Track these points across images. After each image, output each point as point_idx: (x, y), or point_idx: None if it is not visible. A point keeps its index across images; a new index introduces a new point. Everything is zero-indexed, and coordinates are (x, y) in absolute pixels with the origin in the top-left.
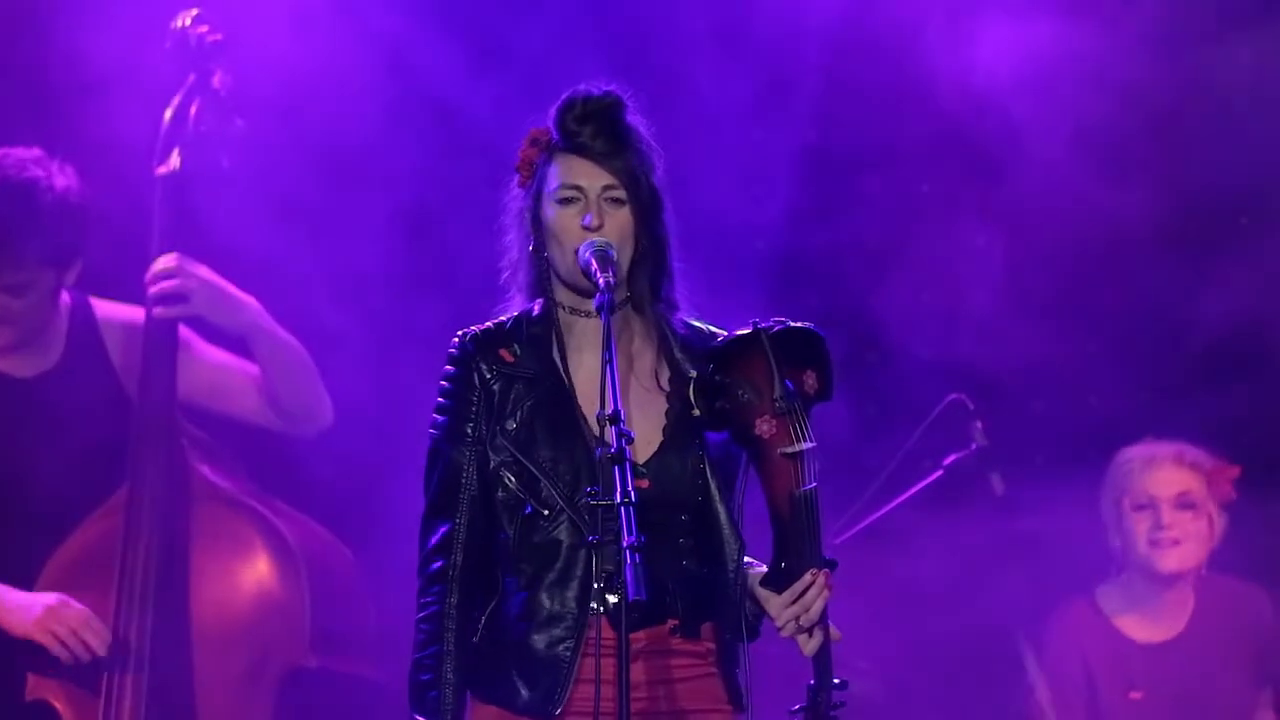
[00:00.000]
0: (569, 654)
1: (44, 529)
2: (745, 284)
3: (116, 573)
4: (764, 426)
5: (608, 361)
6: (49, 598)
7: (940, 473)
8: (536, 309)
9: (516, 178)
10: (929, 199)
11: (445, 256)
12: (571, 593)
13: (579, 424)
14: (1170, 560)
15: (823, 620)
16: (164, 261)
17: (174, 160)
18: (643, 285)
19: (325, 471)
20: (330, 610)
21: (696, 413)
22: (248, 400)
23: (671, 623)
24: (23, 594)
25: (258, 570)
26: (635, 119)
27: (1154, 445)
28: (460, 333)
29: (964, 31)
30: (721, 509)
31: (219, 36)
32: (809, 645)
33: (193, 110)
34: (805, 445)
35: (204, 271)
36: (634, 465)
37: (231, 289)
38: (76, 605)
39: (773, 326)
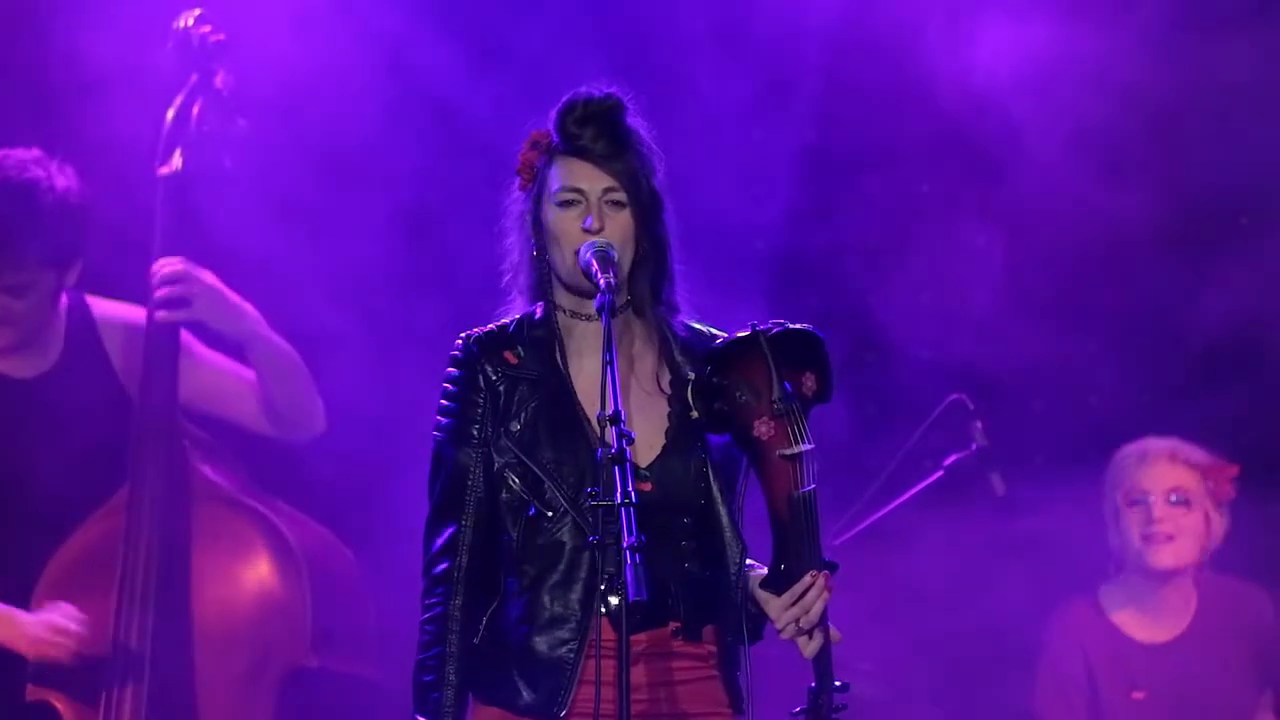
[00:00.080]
0: (573, 656)
1: (44, 530)
2: (745, 284)
3: (117, 573)
4: (762, 428)
5: (608, 363)
6: (41, 623)
7: (940, 473)
8: (538, 312)
9: (518, 181)
10: (929, 199)
11: (445, 257)
12: (575, 594)
13: (582, 426)
14: (1164, 556)
15: (823, 622)
16: (169, 266)
17: (176, 160)
18: (643, 288)
19: (325, 471)
20: (331, 610)
21: (695, 414)
22: (244, 405)
23: (673, 625)
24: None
25: (259, 570)
26: (636, 121)
27: (1150, 441)
28: (463, 335)
29: (964, 32)
30: (723, 512)
31: (221, 37)
32: (809, 647)
33: (195, 110)
34: (804, 447)
35: (208, 277)
36: (637, 468)
37: (233, 296)
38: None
39: (771, 328)
